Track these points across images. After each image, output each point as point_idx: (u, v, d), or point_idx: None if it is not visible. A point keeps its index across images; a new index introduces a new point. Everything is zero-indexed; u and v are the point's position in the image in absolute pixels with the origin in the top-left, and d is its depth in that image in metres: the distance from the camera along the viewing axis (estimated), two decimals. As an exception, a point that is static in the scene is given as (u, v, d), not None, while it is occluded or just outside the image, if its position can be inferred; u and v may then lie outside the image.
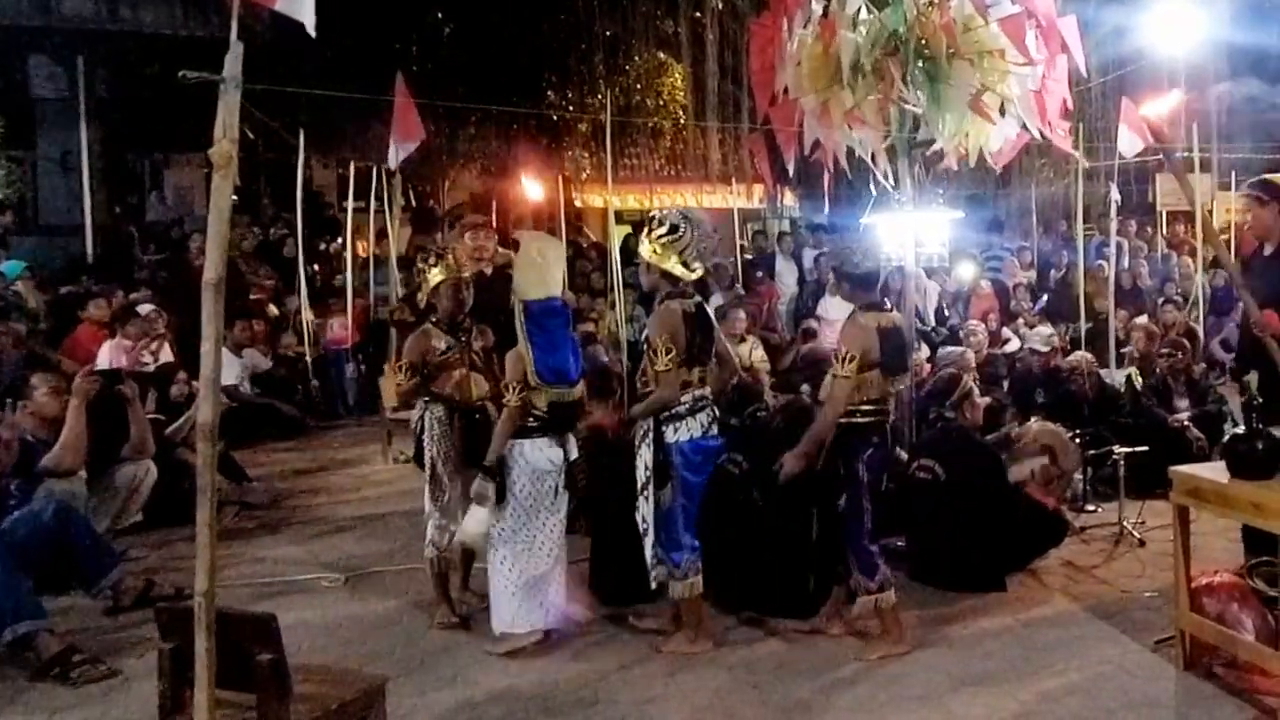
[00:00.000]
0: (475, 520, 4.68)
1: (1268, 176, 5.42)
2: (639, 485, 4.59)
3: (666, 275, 4.59)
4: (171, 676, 3.15)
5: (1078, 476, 6.65)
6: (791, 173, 7.01)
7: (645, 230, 4.72)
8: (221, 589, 2.94)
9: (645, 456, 4.56)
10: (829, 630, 4.83)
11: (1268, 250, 5.19)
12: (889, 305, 4.84)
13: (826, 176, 6.58)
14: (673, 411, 4.54)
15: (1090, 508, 6.59)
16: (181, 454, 6.93)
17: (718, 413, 4.74)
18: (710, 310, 4.97)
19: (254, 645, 3.05)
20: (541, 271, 4.65)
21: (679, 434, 4.55)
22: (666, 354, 4.47)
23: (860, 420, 4.54)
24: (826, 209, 7.74)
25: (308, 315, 10.97)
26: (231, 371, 9.48)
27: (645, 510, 4.57)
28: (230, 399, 9.02)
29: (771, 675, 4.40)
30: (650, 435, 4.56)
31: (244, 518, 7.10)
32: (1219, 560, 4.89)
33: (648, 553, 4.61)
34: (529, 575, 4.71)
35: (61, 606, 5.13)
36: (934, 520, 5.47)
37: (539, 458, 4.71)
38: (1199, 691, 4.12)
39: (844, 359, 4.48)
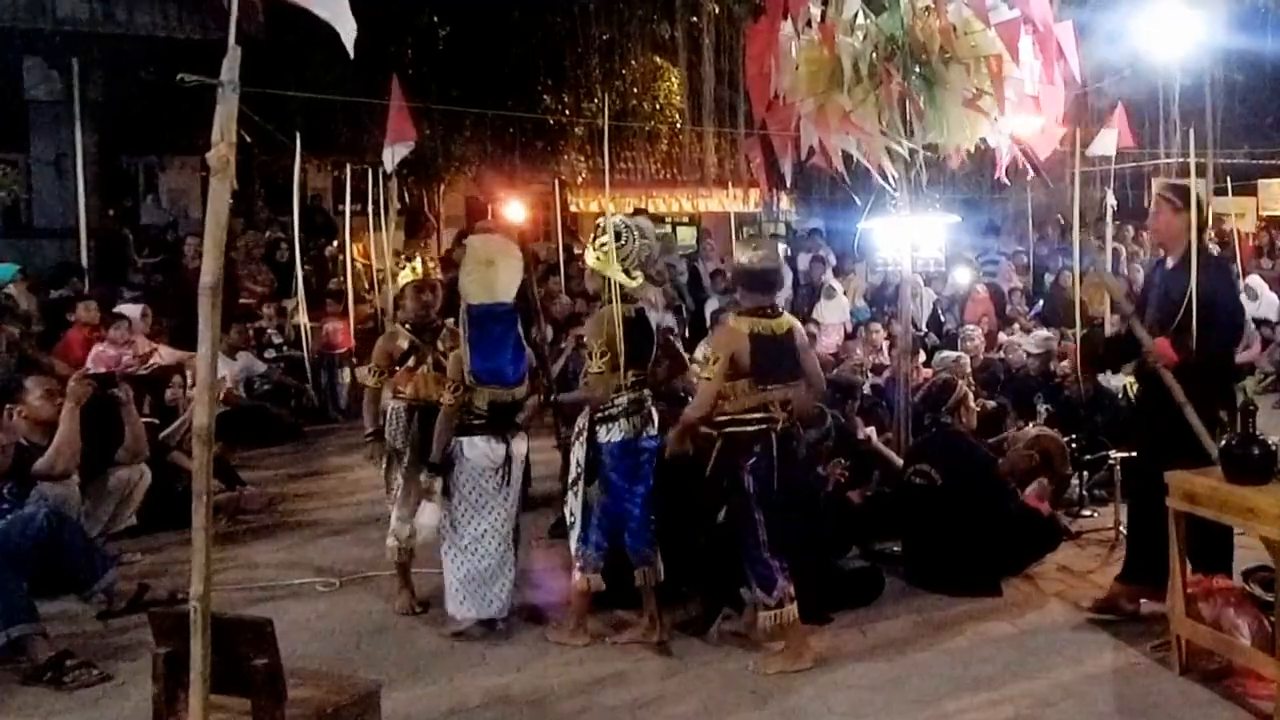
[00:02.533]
0: (429, 513, 5.00)
1: (1183, 182, 5.37)
2: (569, 480, 4.79)
3: (608, 281, 4.69)
4: (165, 681, 3.14)
5: (1074, 481, 6.65)
6: (788, 177, 7.02)
7: (591, 237, 4.85)
8: (216, 593, 2.93)
9: (578, 453, 4.73)
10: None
11: (1170, 262, 4.93)
12: (779, 310, 4.70)
13: (831, 180, 6.60)
14: (606, 413, 4.70)
15: (1086, 512, 6.59)
16: (176, 458, 6.91)
17: (655, 414, 4.85)
18: (653, 317, 4.97)
19: (249, 650, 3.04)
20: (487, 276, 4.77)
21: (610, 434, 4.70)
22: (601, 357, 4.64)
23: (739, 430, 4.42)
24: (844, 212, 7.74)
25: (304, 319, 10.93)
26: (226, 375, 9.44)
27: (573, 504, 4.78)
28: (223, 402, 8.98)
29: (768, 680, 4.39)
30: (584, 434, 4.72)
31: (238, 522, 7.07)
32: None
33: (573, 545, 4.78)
34: (471, 570, 4.86)
35: (55, 611, 5.10)
36: (930, 525, 5.47)
37: (478, 455, 4.86)
38: (1195, 696, 4.12)
39: (709, 360, 4.47)
